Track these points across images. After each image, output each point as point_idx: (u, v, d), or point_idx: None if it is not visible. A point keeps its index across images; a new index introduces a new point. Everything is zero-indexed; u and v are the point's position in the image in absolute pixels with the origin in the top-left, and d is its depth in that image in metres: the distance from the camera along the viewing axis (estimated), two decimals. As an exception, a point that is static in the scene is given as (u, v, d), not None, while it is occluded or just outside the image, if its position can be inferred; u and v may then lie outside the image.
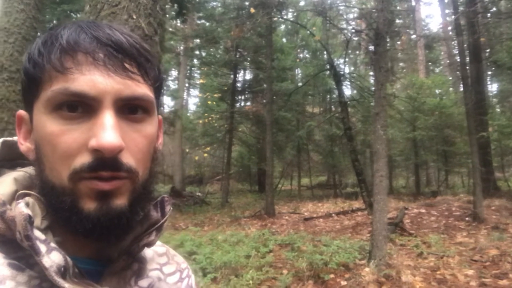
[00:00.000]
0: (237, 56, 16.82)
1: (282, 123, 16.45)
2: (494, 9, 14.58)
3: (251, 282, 4.86)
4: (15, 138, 0.57)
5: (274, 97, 14.44)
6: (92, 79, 0.46)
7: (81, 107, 0.46)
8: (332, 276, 5.02)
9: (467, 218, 8.46)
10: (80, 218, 0.46)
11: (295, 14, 17.54)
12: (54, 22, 14.13)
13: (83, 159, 0.45)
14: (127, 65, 0.48)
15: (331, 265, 5.25)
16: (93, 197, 0.46)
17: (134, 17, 2.78)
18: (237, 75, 18.26)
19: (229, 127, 16.38)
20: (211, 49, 18.33)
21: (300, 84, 17.08)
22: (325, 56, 16.67)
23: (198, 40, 17.45)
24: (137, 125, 0.50)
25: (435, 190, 14.53)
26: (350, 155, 11.84)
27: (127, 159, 0.47)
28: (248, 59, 18.00)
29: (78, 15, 15.79)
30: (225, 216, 11.54)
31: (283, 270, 5.46)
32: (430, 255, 5.87)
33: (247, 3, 15.48)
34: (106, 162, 0.45)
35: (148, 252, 0.62)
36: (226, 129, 16.96)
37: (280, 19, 14.60)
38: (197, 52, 18.65)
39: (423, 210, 9.61)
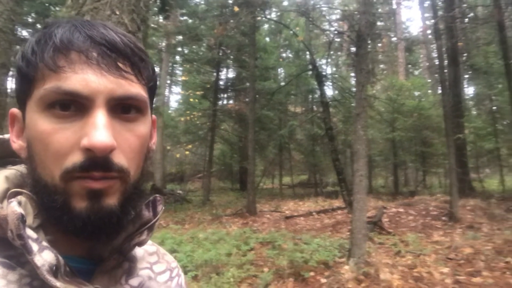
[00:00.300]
0: (220, 54, 16.76)
1: (264, 122, 16.50)
2: (472, 14, 14.98)
3: (232, 280, 4.87)
4: (6, 135, 0.57)
5: (257, 96, 14.47)
6: (85, 78, 0.46)
7: (74, 106, 0.46)
8: (312, 274, 5.09)
9: (443, 218, 8.69)
10: (71, 217, 0.46)
11: (278, 14, 17.61)
12: (32, 15, 13.77)
13: (75, 159, 0.45)
14: (120, 65, 0.48)
15: (311, 263, 5.31)
16: (84, 196, 0.46)
17: (117, 13, 2.74)
18: (220, 73, 18.19)
19: (211, 125, 16.32)
20: (194, 46, 18.20)
21: (282, 83, 17.15)
22: (308, 56, 16.79)
23: (180, 37, 17.30)
24: (130, 124, 0.50)
25: (413, 190, 14.85)
26: (331, 155, 11.97)
27: (119, 158, 0.47)
28: (231, 57, 17.96)
29: (57, 8, 15.44)
30: (206, 214, 11.51)
31: (264, 268, 5.49)
32: (407, 254, 6.00)
33: (230, 1, 15.44)
34: (97, 162, 0.45)
35: (138, 251, 0.62)
36: (208, 127, 16.88)
37: (264, 18, 14.63)
38: (179, 49, 18.49)
39: (401, 210, 9.81)
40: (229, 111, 18.15)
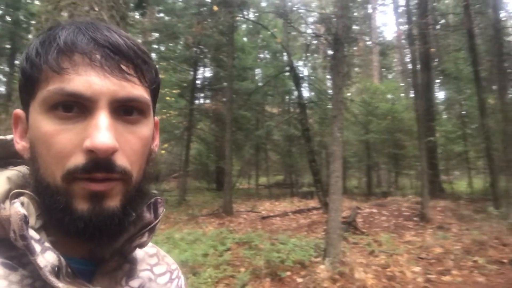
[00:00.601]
0: (198, 53, 16.64)
1: (241, 122, 16.49)
2: (443, 21, 15.49)
3: (209, 280, 4.86)
4: (8, 136, 0.57)
5: (234, 96, 14.45)
6: (88, 80, 0.46)
7: (77, 107, 0.47)
8: (288, 273, 5.14)
9: (415, 218, 8.95)
10: (73, 218, 0.46)
11: (256, 14, 17.64)
12: (2, 7, 13.27)
13: (77, 160, 0.45)
14: (123, 67, 0.49)
15: (288, 262, 5.37)
16: (86, 198, 0.46)
17: (96, 9, 2.69)
18: (197, 72, 18.06)
19: (188, 124, 16.17)
20: (171, 44, 17.99)
21: (260, 84, 17.20)
22: (285, 57, 16.91)
23: (157, 34, 17.06)
24: (132, 126, 0.50)
25: (385, 191, 15.22)
26: (307, 156, 12.10)
27: (121, 160, 0.47)
28: (209, 56, 17.85)
29: (28, 1, 14.93)
30: (182, 214, 11.41)
31: (240, 268, 5.50)
32: (381, 253, 6.16)
33: (208, 0, 15.36)
34: (100, 164, 0.45)
35: (139, 252, 0.62)
36: (185, 126, 16.73)
37: (243, 18, 14.62)
38: (155, 46, 18.21)
39: (374, 210, 10.03)
40: (206, 111, 18.03)
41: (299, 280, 4.93)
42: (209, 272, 5.11)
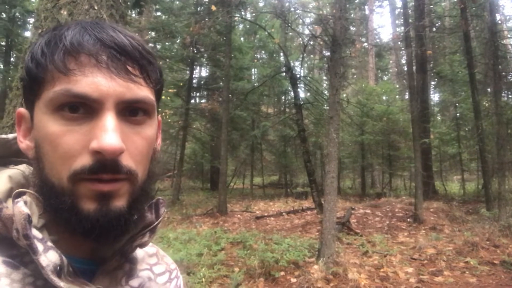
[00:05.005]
0: (195, 52, 16.62)
1: (237, 122, 16.49)
2: (439, 23, 15.59)
3: (203, 280, 4.86)
4: (9, 135, 0.57)
5: (231, 95, 14.46)
6: (95, 82, 0.46)
7: (83, 108, 0.47)
8: (282, 273, 5.15)
9: (408, 219, 9.01)
10: (80, 219, 0.46)
11: (253, 14, 17.66)
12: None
13: (84, 161, 0.46)
14: (129, 68, 0.49)
15: (282, 262, 5.37)
16: (92, 198, 0.46)
17: (96, 7, 2.70)
18: (194, 71, 18.04)
19: (183, 124, 16.15)
20: (167, 43, 17.96)
21: (256, 84, 17.21)
22: (282, 58, 16.93)
23: (153, 33, 17.01)
24: (138, 127, 0.50)
25: (379, 192, 15.28)
26: (302, 156, 12.13)
27: (127, 161, 0.48)
28: (205, 56, 17.84)
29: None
30: (176, 213, 11.39)
31: (234, 268, 5.51)
32: (374, 254, 6.20)
33: (206, 0, 15.36)
34: (106, 165, 0.46)
35: (139, 252, 0.63)
36: (180, 125, 16.70)
37: (240, 18, 14.63)
38: (152, 45, 18.15)
39: (368, 211, 10.08)
40: (202, 110, 18.02)
41: (293, 280, 4.95)
42: (203, 271, 5.12)
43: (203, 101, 21.02)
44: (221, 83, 16.70)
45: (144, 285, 0.60)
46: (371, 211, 10.00)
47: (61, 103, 0.47)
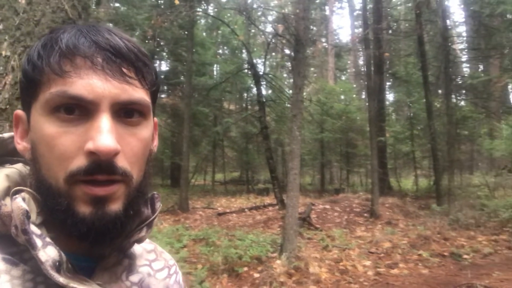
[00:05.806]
0: (155, 46, 16.27)
1: (199, 118, 16.35)
2: (395, 26, 16.24)
3: (166, 277, 4.80)
4: (5, 134, 0.57)
5: (192, 91, 14.30)
6: (90, 83, 0.47)
7: (78, 110, 0.47)
8: (246, 269, 5.21)
9: (365, 214, 9.37)
10: (75, 222, 0.47)
11: (215, 10, 17.53)
12: None
13: (80, 162, 0.46)
14: (125, 70, 0.49)
15: (245, 258, 5.42)
16: (88, 202, 0.47)
17: (57, -3, 2.59)
18: (154, 65, 17.66)
19: (143, 119, 15.78)
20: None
21: (218, 80, 17.14)
22: (244, 55, 16.97)
23: (111, 25, 16.46)
24: (133, 128, 0.51)
25: (337, 188, 15.74)
26: (265, 153, 12.25)
27: (122, 162, 0.48)
28: (167, 50, 17.52)
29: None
30: (136, 211, 11.13)
31: (198, 264, 5.49)
32: (334, 248, 6.40)
33: (168, -8, 15.05)
34: (101, 166, 0.46)
35: (137, 248, 0.63)
36: (140, 120, 16.31)
37: (203, 13, 14.48)
38: (109, 37, 17.54)
39: (327, 206, 10.35)
40: (163, 106, 17.69)
41: (256, 275, 5.01)
42: (166, 269, 5.06)
43: (163, 95, 20.63)
44: (182, 78, 16.46)
45: (144, 280, 0.61)
46: (330, 207, 10.27)
47: (57, 104, 0.47)
